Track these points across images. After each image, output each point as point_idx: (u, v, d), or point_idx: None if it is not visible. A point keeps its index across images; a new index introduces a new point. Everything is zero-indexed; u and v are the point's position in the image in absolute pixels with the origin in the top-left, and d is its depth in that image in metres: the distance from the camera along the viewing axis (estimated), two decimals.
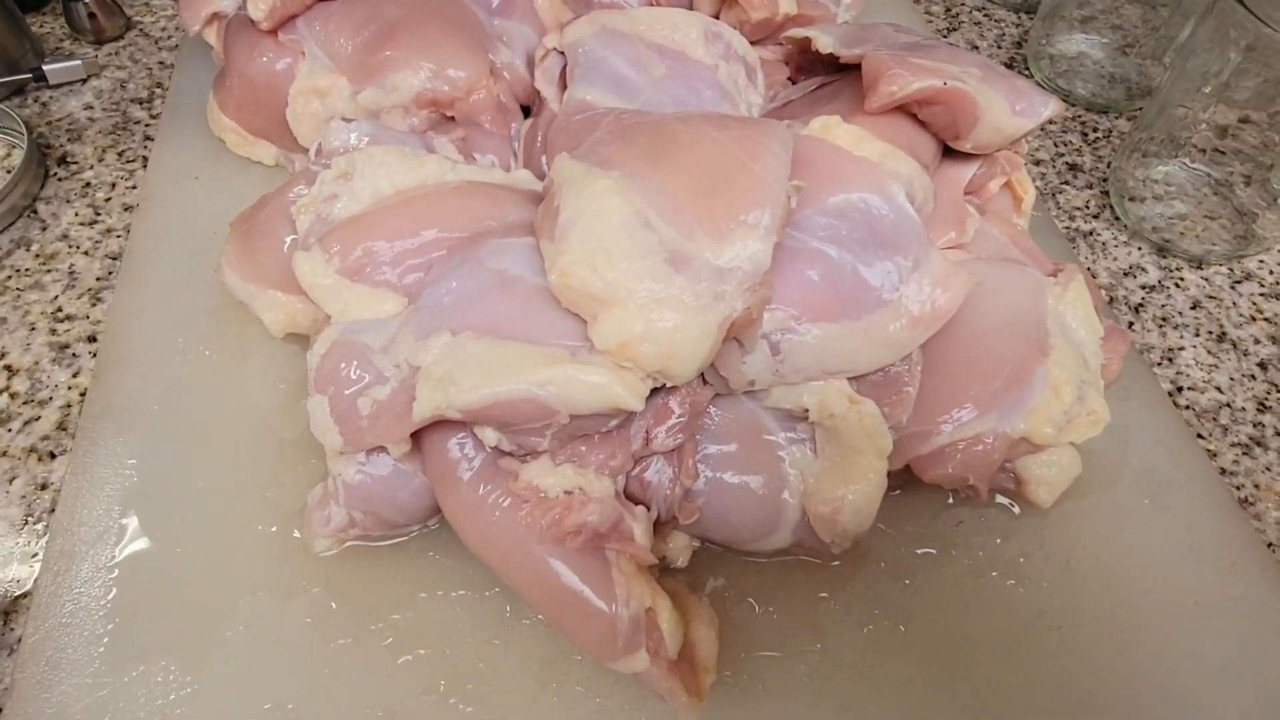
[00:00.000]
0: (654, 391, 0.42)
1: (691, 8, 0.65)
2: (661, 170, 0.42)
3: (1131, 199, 0.70)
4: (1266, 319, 0.64)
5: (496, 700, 0.43)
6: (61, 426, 0.54)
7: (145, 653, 0.44)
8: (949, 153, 0.55)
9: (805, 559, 0.48)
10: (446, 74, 0.57)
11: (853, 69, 0.57)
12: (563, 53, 0.59)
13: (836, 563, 0.48)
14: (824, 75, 0.62)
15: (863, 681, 0.45)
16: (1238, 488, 0.55)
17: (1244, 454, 0.56)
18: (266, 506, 0.49)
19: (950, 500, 0.51)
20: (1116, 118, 0.80)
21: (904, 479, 0.49)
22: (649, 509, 0.44)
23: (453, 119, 0.59)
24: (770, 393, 0.46)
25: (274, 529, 0.48)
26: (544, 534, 0.41)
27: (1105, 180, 0.73)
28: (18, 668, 0.43)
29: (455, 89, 0.57)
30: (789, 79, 0.64)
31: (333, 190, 0.50)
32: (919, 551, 0.49)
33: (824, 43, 0.57)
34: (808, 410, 0.45)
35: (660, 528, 0.46)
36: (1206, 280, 0.66)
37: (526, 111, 0.63)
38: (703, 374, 0.43)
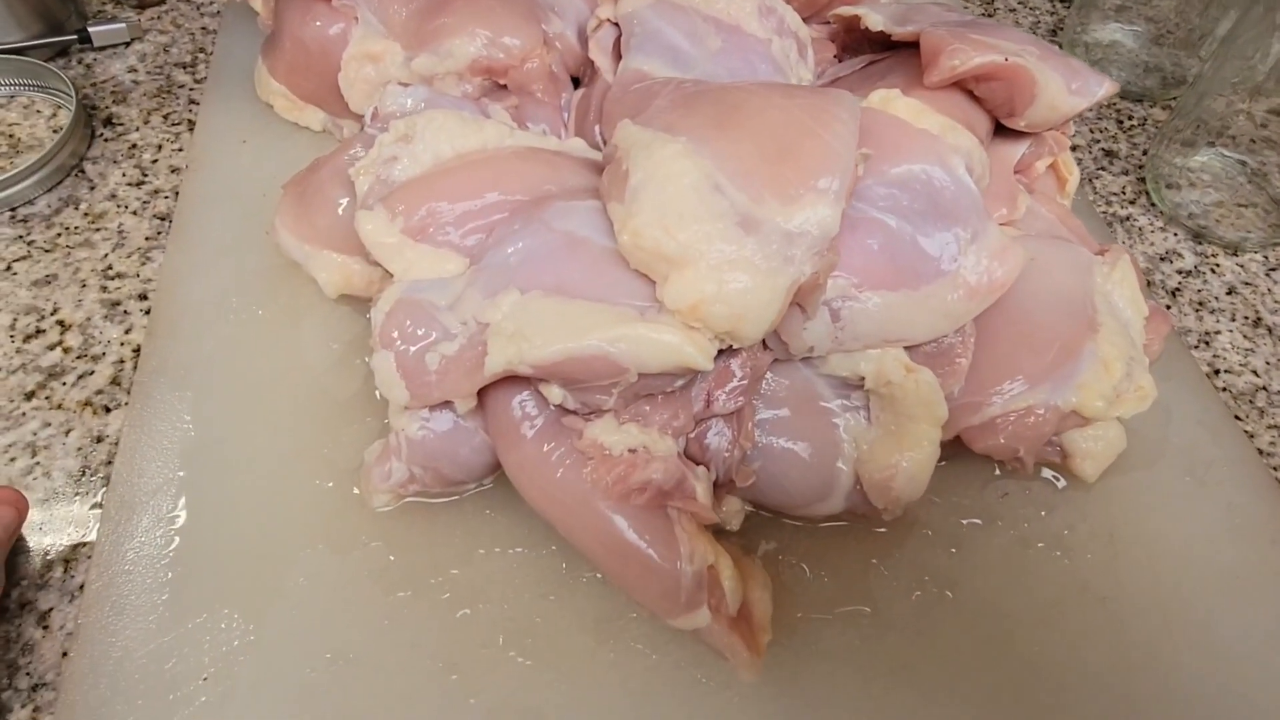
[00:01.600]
0: (716, 355, 0.42)
1: None
2: (729, 136, 0.43)
3: (1168, 186, 0.71)
4: None
5: (554, 654, 0.44)
6: (115, 381, 0.54)
7: (207, 601, 0.44)
8: (999, 131, 0.55)
9: (854, 525, 0.49)
10: (502, 42, 0.57)
11: (903, 48, 0.57)
12: (616, 24, 0.59)
13: (884, 530, 0.49)
14: (870, 54, 0.62)
15: (913, 646, 0.45)
16: (1275, 469, 0.55)
17: None
18: (323, 463, 0.49)
19: (996, 472, 0.52)
20: (1151, 106, 0.80)
21: (951, 450, 0.49)
22: (708, 470, 0.45)
23: (504, 87, 0.59)
24: (827, 360, 0.46)
25: (331, 484, 0.49)
26: (609, 491, 0.41)
27: (1141, 167, 0.74)
28: (82, 612, 0.44)
29: (510, 57, 0.57)
30: (835, 57, 0.65)
31: (393, 152, 0.50)
32: (965, 521, 0.50)
33: (874, 20, 0.58)
34: (864, 378, 0.46)
35: (715, 491, 0.46)
36: (1242, 267, 0.67)
37: (575, 83, 0.63)
38: (763, 339, 0.44)
